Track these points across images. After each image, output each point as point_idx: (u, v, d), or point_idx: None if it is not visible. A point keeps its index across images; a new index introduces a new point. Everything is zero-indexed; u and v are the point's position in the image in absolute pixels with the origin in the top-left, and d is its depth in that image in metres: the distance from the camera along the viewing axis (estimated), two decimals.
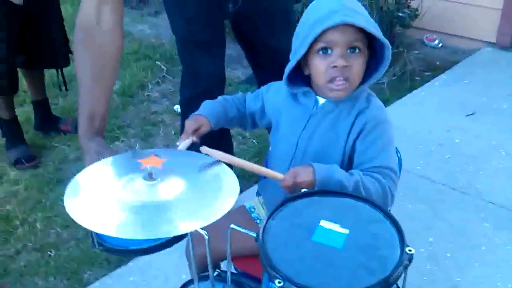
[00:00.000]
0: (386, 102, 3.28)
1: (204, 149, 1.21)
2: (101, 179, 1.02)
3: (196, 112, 1.40)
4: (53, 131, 3.05)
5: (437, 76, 3.55)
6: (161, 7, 4.18)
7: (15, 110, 2.88)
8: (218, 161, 1.13)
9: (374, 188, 1.21)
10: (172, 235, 0.92)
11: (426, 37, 4.10)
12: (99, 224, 0.88)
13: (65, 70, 2.95)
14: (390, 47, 1.22)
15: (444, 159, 2.64)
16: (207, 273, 1.19)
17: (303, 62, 1.27)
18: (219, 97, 1.47)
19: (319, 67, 1.23)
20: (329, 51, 1.20)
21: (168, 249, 1.56)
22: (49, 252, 2.16)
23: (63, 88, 3.07)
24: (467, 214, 2.27)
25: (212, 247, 1.18)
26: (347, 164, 1.30)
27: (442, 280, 1.95)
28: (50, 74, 3.06)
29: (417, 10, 3.70)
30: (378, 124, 1.27)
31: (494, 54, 3.77)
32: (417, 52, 3.72)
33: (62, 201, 2.42)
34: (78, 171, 1.07)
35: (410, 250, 0.95)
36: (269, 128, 1.47)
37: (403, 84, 3.52)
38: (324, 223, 1.01)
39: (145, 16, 4.61)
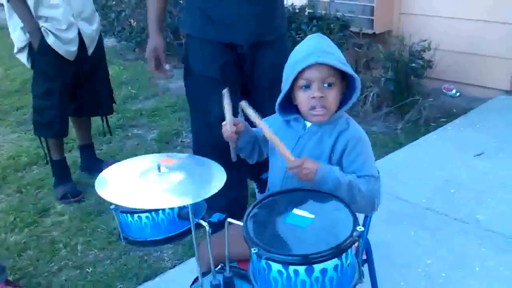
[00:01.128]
0: (400, 145, 3.52)
1: (243, 104, 1.50)
2: (124, 171, 1.35)
3: None
4: (97, 172, 3.39)
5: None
6: None
7: (65, 154, 3.25)
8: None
9: (365, 188, 1.47)
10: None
11: (444, 87, 4.35)
12: (120, 198, 1.20)
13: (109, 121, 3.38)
14: (359, 79, 1.52)
15: (449, 193, 2.83)
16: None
17: (292, 95, 1.58)
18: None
19: (302, 98, 1.54)
20: (309, 86, 1.51)
21: (190, 267, 1.85)
22: (87, 269, 2.46)
23: (108, 135, 3.49)
24: (465, 240, 2.44)
25: (221, 250, 1.45)
26: None
27: None
28: (97, 125, 3.48)
29: (430, 61, 3.96)
30: (358, 142, 1.55)
31: (507, 101, 3.98)
32: (432, 100, 3.95)
33: (101, 228, 2.72)
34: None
35: (360, 228, 1.20)
36: None
37: (418, 129, 3.75)
38: (296, 211, 1.28)
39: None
